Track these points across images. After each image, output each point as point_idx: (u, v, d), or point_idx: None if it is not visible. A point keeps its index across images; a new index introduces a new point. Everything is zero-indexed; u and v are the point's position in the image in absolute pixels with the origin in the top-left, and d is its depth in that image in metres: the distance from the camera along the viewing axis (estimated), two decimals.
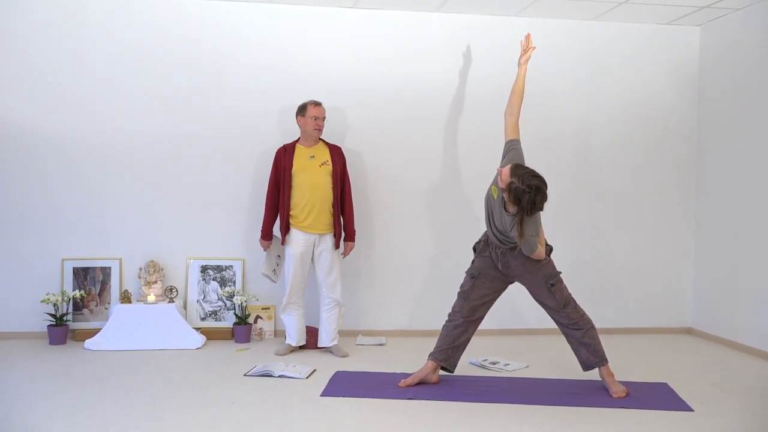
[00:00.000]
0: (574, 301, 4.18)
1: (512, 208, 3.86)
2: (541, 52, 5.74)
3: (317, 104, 4.95)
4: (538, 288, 4.13)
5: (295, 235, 4.93)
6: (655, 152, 5.95)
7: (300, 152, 4.97)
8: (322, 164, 4.94)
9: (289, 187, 4.92)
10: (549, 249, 4.17)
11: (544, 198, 3.78)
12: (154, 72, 5.43)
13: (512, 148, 4.14)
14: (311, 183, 4.89)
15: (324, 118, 4.96)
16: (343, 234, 5.06)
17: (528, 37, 4.55)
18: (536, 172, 3.80)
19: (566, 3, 5.36)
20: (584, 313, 4.20)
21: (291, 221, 4.94)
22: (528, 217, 3.80)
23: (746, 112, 5.38)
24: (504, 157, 4.15)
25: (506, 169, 3.82)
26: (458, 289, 4.32)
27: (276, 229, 5.11)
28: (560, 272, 4.16)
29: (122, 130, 5.41)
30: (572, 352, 4.33)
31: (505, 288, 4.27)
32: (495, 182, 4.06)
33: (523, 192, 3.72)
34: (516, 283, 4.27)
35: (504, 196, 3.88)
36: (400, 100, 5.66)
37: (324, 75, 5.56)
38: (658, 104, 5.94)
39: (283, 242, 5.00)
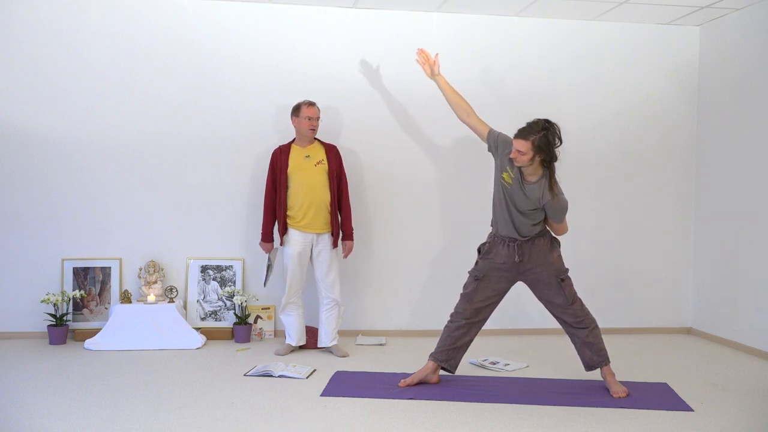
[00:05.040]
0: (580, 300, 4.19)
1: (534, 176, 3.96)
2: (541, 52, 5.79)
3: (311, 104, 4.96)
4: (547, 283, 4.13)
5: (293, 235, 4.93)
6: (654, 152, 5.96)
7: (295, 152, 4.97)
8: (318, 163, 4.94)
9: (286, 187, 4.93)
10: (557, 242, 4.19)
11: (555, 125, 3.92)
12: (154, 72, 5.43)
13: (498, 135, 4.16)
14: (307, 183, 4.90)
15: (318, 117, 4.97)
16: (341, 233, 5.07)
17: (420, 52, 4.57)
18: (531, 121, 3.93)
19: (566, 3, 5.36)
20: (589, 311, 4.21)
21: (288, 221, 4.94)
22: (554, 177, 3.94)
23: (746, 112, 5.38)
24: (497, 148, 4.14)
25: (517, 140, 3.88)
26: (460, 290, 4.30)
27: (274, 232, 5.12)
28: (568, 269, 4.17)
29: (122, 130, 5.42)
30: (574, 351, 4.33)
31: (508, 290, 4.26)
32: (504, 169, 4.06)
33: (545, 132, 3.85)
34: (517, 283, 4.27)
35: (525, 165, 3.91)
36: (400, 99, 5.66)
37: (324, 75, 5.57)
38: (658, 104, 5.94)
39: (282, 242, 5.00)
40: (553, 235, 4.21)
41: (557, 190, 3.97)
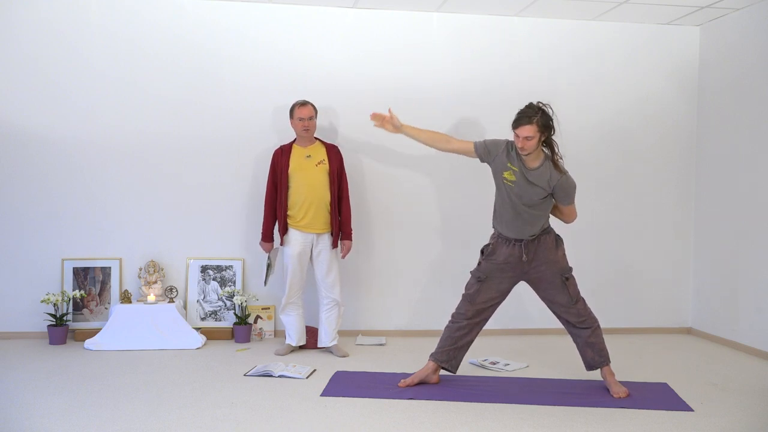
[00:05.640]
0: (583, 299, 4.19)
1: (537, 161, 3.99)
2: (541, 52, 5.78)
3: (303, 104, 4.95)
4: (551, 282, 4.12)
5: (293, 235, 4.93)
6: (654, 152, 5.96)
7: (296, 152, 4.98)
8: (319, 163, 4.94)
9: (286, 187, 4.93)
10: (561, 241, 4.19)
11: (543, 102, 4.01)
12: (155, 72, 5.43)
13: (484, 142, 4.16)
14: (308, 182, 4.89)
15: (311, 117, 4.94)
16: (340, 233, 5.06)
17: (373, 116, 4.43)
18: (522, 108, 3.97)
19: (566, 3, 5.36)
20: (591, 311, 4.21)
21: (288, 221, 4.94)
22: (556, 155, 4.02)
23: (746, 112, 5.38)
24: (489, 153, 4.13)
25: (522, 128, 3.88)
26: (460, 290, 4.29)
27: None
28: (572, 268, 4.18)
29: (122, 130, 5.42)
30: (574, 351, 4.32)
31: (511, 290, 4.25)
32: (504, 168, 4.06)
33: (542, 111, 3.92)
34: (519, 283, 4.26)
35: (533, 151, 3.93)
36: (400, 99, 5.64)
37: (324, 75, 5.57)
38: (658, 104, 5.94)
39: (282, 242, 5.01)
40: (557, 234, 4.20)
41: (563, 168, 4.01)
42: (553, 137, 4.01)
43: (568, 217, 4.22)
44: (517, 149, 3.99)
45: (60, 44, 5.33)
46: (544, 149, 4.03)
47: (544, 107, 3.95)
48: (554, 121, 3.98)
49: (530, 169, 4.00)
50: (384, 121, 4.42)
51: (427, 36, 5.68)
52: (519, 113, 3.95)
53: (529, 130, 3.88)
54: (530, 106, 3.96)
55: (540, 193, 4.00)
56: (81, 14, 5.35)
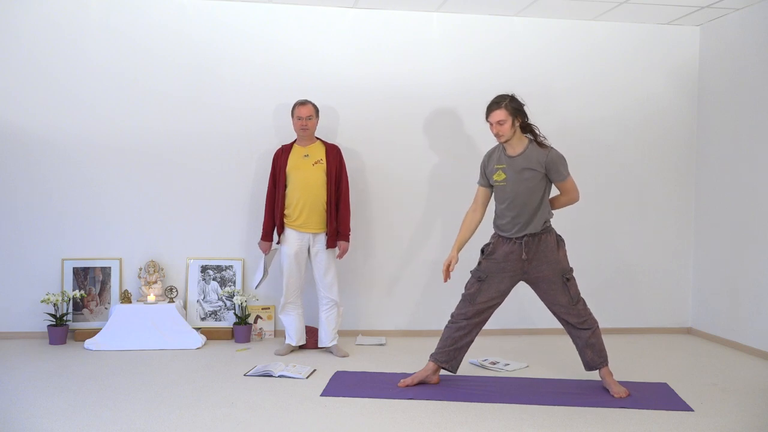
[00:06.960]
0: (583, 300, 4.19)
1: (520, 146, 4.08)
2: (541, 52, 5.79)
3: (302, 104, 4.94)
4: (552, 282, 4.11)
5: (289, 235, 4.93)
6: (654, 152, 5.96)
7: (295, 151, 4.98)
8: (316, 163, 4.94)
9: (284, 186, 4.93)
10: (562, 241, 4.19)
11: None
12: (154, 72, 5.43)
13: (480, 176, 4.27)
14: (304, 182, 4.89)
15: (309, 116, 4.92)
16: (338, 234, 5.04)
17: (445, 280, 4.26)
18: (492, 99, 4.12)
19: (566, 3, 5.36)
20: (590, 312, 4.20)
21: (285, 220, 4.94)
22: (538, 136, 4.11)
23: (746, 112, 5.39)
24: (486, 174, 4.23)
25: (493, 113, 4.02)
26: (461, 290, 4.28)
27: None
28: (572, 268, 4.18)
29: (122, 130, 5.42)
30: (574, 351, 4.32)
31: (510, 290, 4.24)
32: (494, 172, 4.13)
33: (510, 98, 4.08)
34: (518, 284, 4.26)
35: (509, 136, 4.04)
36: (401, 99, 5.66)
37: (324, 75, 5.57)
38: (658, 104, 5.94)
39: (279, 241, 5.00)
40: (558, 234, 4.20)
41: (548, 144, 4.09)
42: (531, 122, 4.11)
43: (571, 194, 4.18)
44: (496, 139, 4.09)
45: (60, 43, 5.33)
46: (527, 135, 4.11)
47: (511, 95, 4.08)
48: (525, 107, 4.10)
49: (516, 156, 4.06)
50: (450, 269, 4.27)
51: (427, 36, 5.68)
52: (489, 103, 4.09)
53: (499, 114, 4.00)
54: (498, 95, 4.11)
55: (534, 177, 4.03)
56: (81, 13, 5.35)
